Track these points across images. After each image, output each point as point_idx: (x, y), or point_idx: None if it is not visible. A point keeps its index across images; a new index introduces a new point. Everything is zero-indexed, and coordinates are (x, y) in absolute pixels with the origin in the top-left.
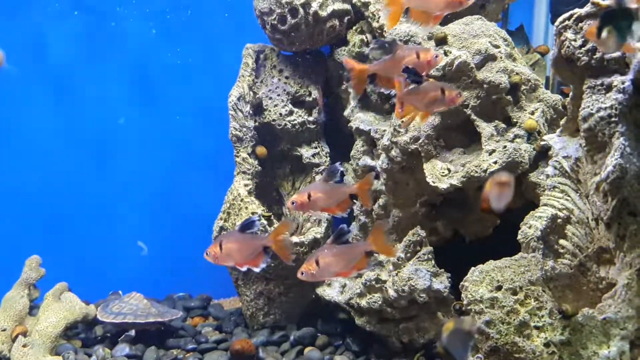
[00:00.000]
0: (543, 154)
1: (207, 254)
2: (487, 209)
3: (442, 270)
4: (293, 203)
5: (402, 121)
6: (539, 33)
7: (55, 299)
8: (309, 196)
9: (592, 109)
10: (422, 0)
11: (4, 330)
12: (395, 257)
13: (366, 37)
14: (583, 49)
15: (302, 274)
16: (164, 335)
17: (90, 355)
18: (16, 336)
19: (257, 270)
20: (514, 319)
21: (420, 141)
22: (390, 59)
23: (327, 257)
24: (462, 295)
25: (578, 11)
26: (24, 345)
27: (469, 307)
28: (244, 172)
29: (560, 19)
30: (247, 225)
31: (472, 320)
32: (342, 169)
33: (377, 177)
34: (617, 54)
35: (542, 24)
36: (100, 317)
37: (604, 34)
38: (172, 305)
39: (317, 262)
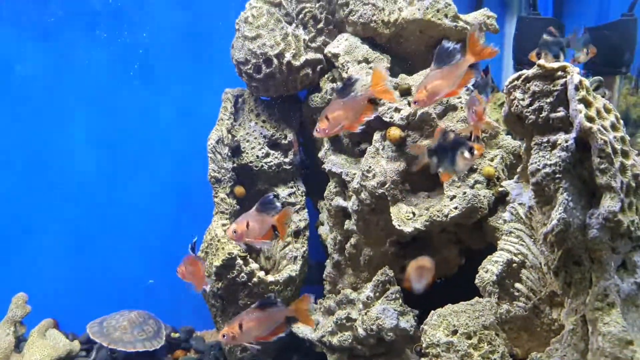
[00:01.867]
0: (502, 199)
1: (223, 335)
2: (409, 288)
3: (410, 309)
4: (234, 232)
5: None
6: (508, 72)
7: (40, 336)
8: (247, 225)
9: (538, 165)
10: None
11: None
12: (312, 326)
13: (337, 85)
14: (530, 107)
15: (224, 336)
16: None
17: None
18: None
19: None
20: None
21: (387, 186)
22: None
23: (251, 321)
24: (422, 338)
25: (525, 72)
26: None
27: (427, 350)
28: (222, 212)
29: (510, 79)
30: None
31: None
32: (274, 199)
33: (348, 217)
34: (561, 113)
35: (511, 64)
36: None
37: None
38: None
39: (240, 326)
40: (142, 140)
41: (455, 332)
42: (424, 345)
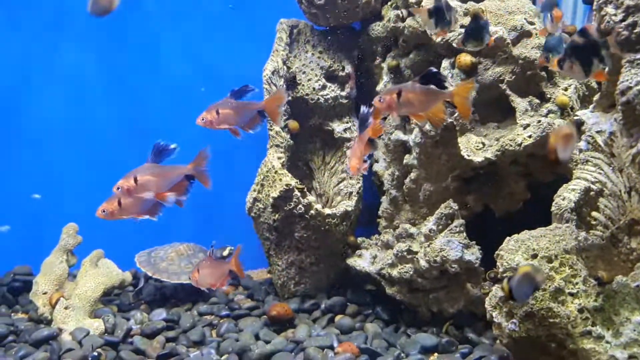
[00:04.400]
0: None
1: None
2: (555, 160)
3: (474, 242)
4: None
5: None
6: (567, 13)
7: (92, 265)
8: (135, 180)
9: (630, 83)
10: None
11: (45, 293)
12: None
13: (402, 13)
14: (623, 23)
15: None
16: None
17: (128, 319)
18: (57, 300)
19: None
20: (549, 286)
21: (456, 115)
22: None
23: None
24: (498, 263)
25: None
26: (66, 308)
27: (504, 275)
28: (277, 145)
29: None
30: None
31: (543, 273)
32: (172, 146)
33: (408, 151)
34: None
35: (570, 4)
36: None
37: None
38: None
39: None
40: (199, 71)
41: (535, 256)
42: (500, 270)
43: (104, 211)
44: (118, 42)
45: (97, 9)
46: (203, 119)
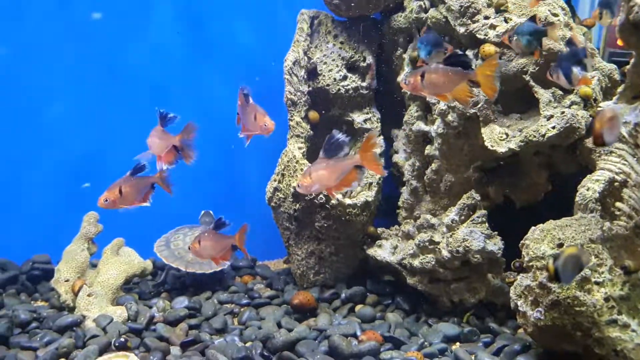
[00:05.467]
0: None
1: (298, 186)
2: (600, 142)
3: (495, 232)
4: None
5: None
6: (584, 7)
7: (114, 254)
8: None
9: None
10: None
11: (67, 281)
12: (383, 174)
13: (424, 4)
14: None
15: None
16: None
17: (150, 307)
18: (79, 287)
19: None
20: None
21: (479, 106)
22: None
23: (320, 169)
24: (523, 252)
25: None
26: (89, 295)
27: (530, 264)
28: (297, 136)
29: None
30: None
31: (589, 254)
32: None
33: (429, 142)
34: None
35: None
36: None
37: None
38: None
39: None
40: (220, 62)
41: (560, 245)
42: (526, 259)
43: (106, 200)
44: (139, 37)
45: None
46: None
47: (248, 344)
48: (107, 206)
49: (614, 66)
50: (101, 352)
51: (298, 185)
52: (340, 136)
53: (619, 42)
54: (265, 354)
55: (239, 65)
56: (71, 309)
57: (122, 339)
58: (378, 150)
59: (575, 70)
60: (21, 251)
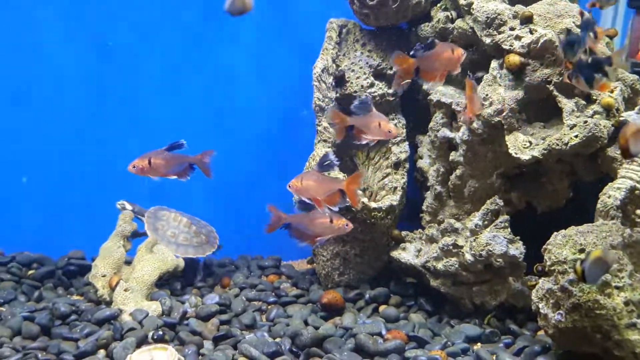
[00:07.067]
0: (620, 131)
1: (289, 186)
2: (629, 155)
3: (517, 237)
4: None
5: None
6: (607, 17)
7: (148, 251)
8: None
9: None
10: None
11: (104, 276)
12: (357, 207)
13: (451, 14)
14: None
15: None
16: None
17: (182, 302)
18: (116, 282)
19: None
20: None
21: (504, 114)
22: (431, 54)
23: (311, 180)
24: (545, 257)
25: None
26: (126, 290)
27: (552, 268)
28: (324, 140)
29: None
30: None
31: (614, 255)
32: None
33: (454, 148)
34: None
35: (611, 7)
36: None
37: None
38: (247, 265)
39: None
40: (252, 72)
41: (582, 251)
42: (548, 264)
43: (134, 166)
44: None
45: (234, 9)
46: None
47: (277, 340)
48: (135, 172)
49: (636, 77)
50: (138, 344)
51: (289, 185)
52: (332, 158)
53: None
54: (294, 349)
55: (273, 74)
56: (108, 303)
57: (160, 332)
58: (361, 187)
59: (597, 76)
60: (56, 246)
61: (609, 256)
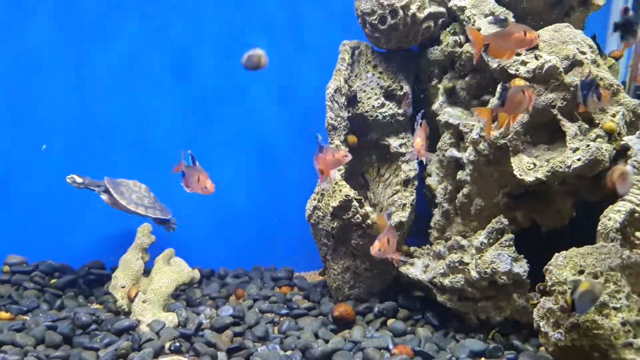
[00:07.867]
0: (621, 154)
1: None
2: (615, 194)
3: (522, 255)
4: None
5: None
6: (612, 39)
7: (165, 263)
8: None
9: None
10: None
11: (123, 287)
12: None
13: (459, 39)
14: None
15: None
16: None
17: (198, 314)
18: (135, 294)
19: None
20: None
21: (509, 137)
22: (502, 32)
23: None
24: (547, 277)
25: None
26: (144, 301)
27: (552, 288)
28: None
29: None
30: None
31: (602, 288)
32: None
33: (461, 167)
34: None
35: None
36: (126, 205)
37: None
38: (260, 276)
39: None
40: (266, 90)
41: (582, 272)
42: (549, 284)
43: (206, 187)
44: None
45: (250, 64)
46: None
47: (288, 353)
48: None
49: (638, 101)
50: (156, 355)
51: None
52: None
53: None
54: None
55: (285, 93)
56: (126, 314)
57: (177, 344)
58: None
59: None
60: (76, 256)
61: (596, 288)
